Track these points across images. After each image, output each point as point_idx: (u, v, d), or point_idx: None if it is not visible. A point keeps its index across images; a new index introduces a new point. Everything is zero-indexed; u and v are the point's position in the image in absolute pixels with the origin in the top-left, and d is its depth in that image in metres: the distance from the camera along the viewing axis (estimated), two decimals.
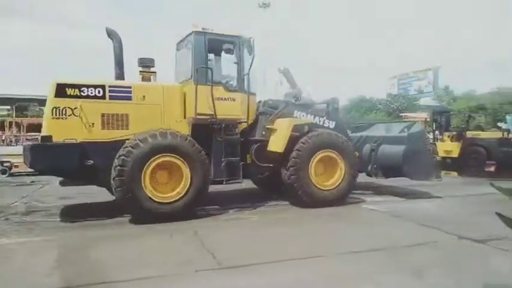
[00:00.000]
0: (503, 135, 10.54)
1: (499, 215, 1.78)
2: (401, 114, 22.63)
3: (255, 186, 9.21)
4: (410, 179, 8.24)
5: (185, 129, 6.71)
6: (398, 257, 4.26)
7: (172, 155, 6.09)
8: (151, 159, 5.92)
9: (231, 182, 7.11)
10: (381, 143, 8.35)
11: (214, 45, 7.17)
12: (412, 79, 42.74)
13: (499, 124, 22.93)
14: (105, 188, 6.58)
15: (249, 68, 7.22)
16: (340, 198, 7.33)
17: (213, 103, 6.78)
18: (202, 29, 6.94)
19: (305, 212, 6.91)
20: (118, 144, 6.08)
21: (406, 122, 10.14)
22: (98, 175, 6.16)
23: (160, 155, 5.98)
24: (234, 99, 7.08)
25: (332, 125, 8.04)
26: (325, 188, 7.22)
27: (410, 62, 78.26)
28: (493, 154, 8.46)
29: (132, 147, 5.85)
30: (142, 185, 5.85)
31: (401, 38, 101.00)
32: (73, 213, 6.90)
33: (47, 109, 6.13)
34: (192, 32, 6.95)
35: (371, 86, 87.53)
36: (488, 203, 6.93)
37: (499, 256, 4.15)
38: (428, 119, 18.95)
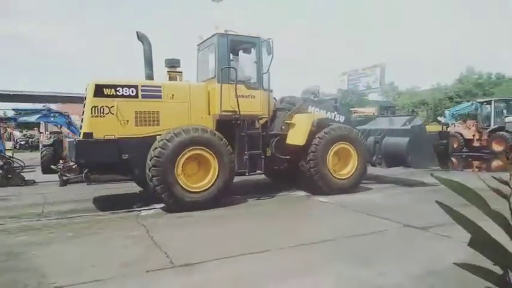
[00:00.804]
0: (442, 128, 11.33)
1: (438, 203, 1.86)
2: (351, 109, 23.51)
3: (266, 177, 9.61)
4: (414, 168, 8.97)
5: (210, 125, 7.17)
6: (347, 246, 4.37)
7: (202, 148, 6.62)
8: (184, 152, 6.43)
9: (253, 173, 7.72)
10: (385, 135, 8.98)
11: (235, 46, 7.73)
12: (361, 76, 44.45)
13: (439, 118, 24.60)
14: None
15: (268, 68, 7.75)
16: (354, 185, 8.00)
17: (237, 100, 7.25)
18: (225, 31, 7.44)
19: (265, 206, 7.04)
20: (150, 139, 6.58)
21: (405, 116, 11.03)
22: (132, 168, 6.66)
23: (191, 147, 6.51)
24: (254, 97, 7.60)
25: (342, 119, 8.76)
26: (341, 177, 7.88)
27: (360, 60, 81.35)
28: (434, 147, 9.27)
29: (168, 141, 6.33)
30: (176, 175, 6.34)
31: (352, 37, 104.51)
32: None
33: (86, 108, 6.48)
34: (215, 34, 7.44)
35: (323, 82, 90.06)
36: (431, 192, 7.46)
37: (439, 241, 4.42)
38: (375, 113, 19.84)
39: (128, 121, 6.62)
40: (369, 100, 36.03)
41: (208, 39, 7.87)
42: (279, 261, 3.97)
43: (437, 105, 34.10)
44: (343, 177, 7.92)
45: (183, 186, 6.41)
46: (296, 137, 7.72)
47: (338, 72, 47.15)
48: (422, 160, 8.60)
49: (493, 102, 17.56)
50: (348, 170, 8.04)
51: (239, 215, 6.28)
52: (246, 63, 8.04)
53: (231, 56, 7.69)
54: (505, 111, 17.30)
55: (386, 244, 4.52)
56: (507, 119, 16.49)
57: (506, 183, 1.82)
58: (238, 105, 7.26)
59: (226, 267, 3.79)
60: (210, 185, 6.66)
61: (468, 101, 23.55)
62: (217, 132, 6.90)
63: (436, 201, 2.00)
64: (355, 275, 3.49)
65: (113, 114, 6.50)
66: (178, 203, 6.37)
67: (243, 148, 7.42)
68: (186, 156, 6.48)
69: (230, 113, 7.29)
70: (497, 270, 1.78)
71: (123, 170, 6.97)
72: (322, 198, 7.39)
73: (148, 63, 7.40)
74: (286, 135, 7.87)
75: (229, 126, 7.37)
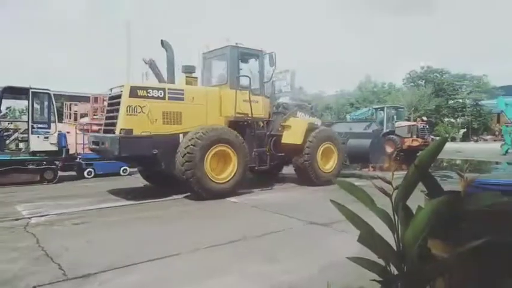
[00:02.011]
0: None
1: (332, 201, 1.96)
2: None
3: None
4: (373, 163, 10.90)
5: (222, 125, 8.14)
6: (255, 245, 4.50)
7: (226, 145, 7.61)
8: (212, 148, 7.36)
9: (261, 167, 8.76)
10: (349, 137, 10.62)
11: (243, 57, 8.79)
12: (273, 80, 46.28)
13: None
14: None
15: (270, 77, 9.16)
16: (335, 176, 9.40)
17: (250, 105, 8.38)
18: (236, 43, 8.46)
19: (171, 208, 6.87)
20: (174, 136, 7.46)
21: (364, 122, 13.54)
22: (159, 162, 7.31)
23: (218, 145, 7.48)
24: (257, 102, 8.65)
25: (319, 122, 10.32)
26: (326, 171, 9.39)
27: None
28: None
29: (198, 139, 7.18)
30: (205, 168, 7.24)
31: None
32: None
33: (121, 107, 7.10)
34: (228, 46, 8.44)
35: None
36: (337, 191, 7.97)
37: (338, 236, 4.76)
38: None
39: (156, 120, 7.36)
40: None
41: (218, 49, 8.83)
42: (185, 265, 3.86)
43: (340, 109, 37.06)
44: (327, 171, 9.45)
45: (211, 178, 7.34)
46: (294, 137, 9.08)
47: None
48: (379, 157, 10.15)
49: (385, 108, 19.60)
50: (330, 165, 9.70)
51: (142, 219, 5.96)
52: (250, 72, 9.03)
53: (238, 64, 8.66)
54: (395, 116, 19.48)
55: (292, 241, 4.71)
56: (397, 124, 18.58)
57: (389, 182, 2.01)
58: (251, 109, 8.38)
59: (127, 276, 3.55)
60: (231, 177, 7.68)
61: (366, 107, 26.04)
62: (236, 132, 7.90)
63: (331, 200, 2.13)
64: (261, 273, 3.56)
65: (145, 113, 7.20)
66: (206, 193, 7.27)
67: (252, 146, 8.45)
68: (213, 152, 7.41)
69: (241, 115, 8.36)
70: (382, 262, 1.95)
71: (151, 164, 7.65)
72: (232, 199, 7.44)
73: (171, 69, 8.41)
74: (282, 135, 9.17)
75: (239, 126, 8.36)
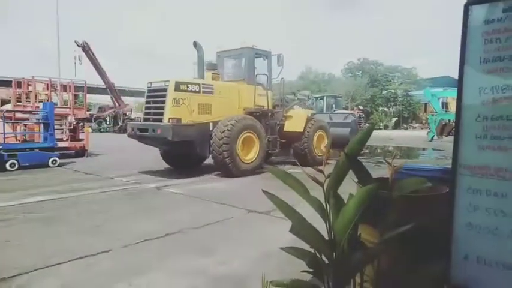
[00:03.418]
0: None
1: (264, 191, 1.90)
2: None
3: None
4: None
5: None
6: (193, 237, 4.40)
7: (252, 131, 9.04)
8: (242, 133, 8.75)
9: (272, 151, 10.49)
10: (331, 126, 12.04)
11: (256, 56, 10.18)
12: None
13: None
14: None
15: (278, 75, 10.49)
16: (325, 160, 10.26)
17: (267, 98, 10.13)
18: (252, 45, 9.92)
19: (106, 201, 6.64)
20: (206, 125, 8.75)
21: (342, 113, 15.81)
22: (195, 146, 8.61)
23: (247, 131, 8.89)
24: (266, 95, 10.13)
25: (309, 113, 11.67)
26: (319, 154, 10.84)
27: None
28: None
29: (233, 125, 8.49)
30: (237, 150, 8.61)
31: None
32: None
33: (167, 99, 8.30)
34: (245, 47, 9.92)
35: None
36: (271, 179, 8.07)
37: (277, 224, 4.78)
38: None
39: (194, 110, 8.57)
40: None
41: (236, 49, 10.24)
42: (113, 263, 3.60)
43: (282, 98, 37.68)
44: (320, 154, 10.82)
45: (241, 158, 8.72)
46: (296, 125, 10.56)
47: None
48: None
49: (325, 97, 20.32)
50: (321, 150, 11.16)
51: (70, 213, 5.53)
52: (260, 70, 10.32)
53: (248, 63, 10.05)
54: (334, 105, 20.25)
55: (231, 231, 4.65)
56: (335, 112, 19.35)
57: (321, 171, 1.98)
58: (268, 101, 10.12)
59: (49, 277, 3.24)
60: (254, 158, 9.09)
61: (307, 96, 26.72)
62: (257, 121, 9.35)
63: (262, 190, 2.06)
64: (195, 266, 3.44)
65: (185, 105, 8.39)
66: (238, 170, 8.59)
67: (266, 133, 9.73)
68: (243, 137, 8.76)
69: (258, 107, 9.89)
70: (313, 251, 1.92)
71: (188, 148, 8.59)
72: (172, 189, 7.20)
73: (201, 66, 9.59)
74: (284, 124, 10.58)
75: (255, 116, 9.57)
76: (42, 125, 11.09)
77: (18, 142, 11.14)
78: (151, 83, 9.06)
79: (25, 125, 12.27)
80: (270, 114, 10.37)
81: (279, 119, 10.69)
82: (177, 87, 8.36)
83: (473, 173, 1.97)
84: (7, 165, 9.62)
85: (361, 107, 25.11)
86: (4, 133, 10.07)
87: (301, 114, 11.18)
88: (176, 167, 10.06)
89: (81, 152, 12.86)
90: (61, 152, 11.54)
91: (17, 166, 9.76)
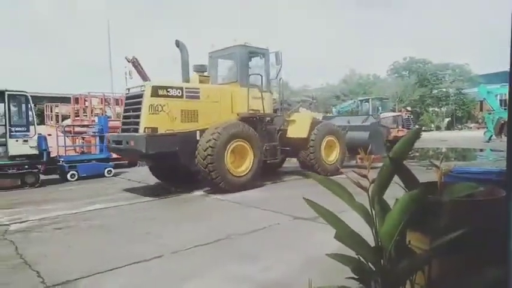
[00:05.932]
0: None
1: (305, 199, 1.91)
2: None
3: None
4: (374, 154, 10.95)
5: None
6: (239, 243, 4.44)
7: (244, 140, 7.90)
8: (231, 143, 7.65)
9: (272, 160, 8.96)
10: (348, 130, 11.02)
11: (251, 55, 8.97)
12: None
13: (328, 114, 26.88)
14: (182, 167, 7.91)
15: (277, 75, 9.31)
16: (337, 169, 9.28)
17: (262, 101, 8.70)
18: (244, 43, 8.60)
19: (158, 208, 6.90)
20: (191, 134, 7.66)
21: (361, 116, 13.97)
22: (179, 158, 7.50)
23: (236, 140, 7.77)
24: (264, 98, 8.80)
25: (320, 116, 11.06)
26: (329, 163, 9.68)
27: None
28: None
29: (219, 133, 7.43)
30: (225, 162, 7.53)
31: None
32: None
33: (143, 106, 7.29)
34: (237, 45, 8.60)
35: None
36: (309, 186, 7.90)
37: (324, 231, 4.70)
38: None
39: (176, 118, 7.52)
40: None
41: (227, 48, 8.94)
42: (166, 267, 3.77)
43: (325, 102, 37.14)
44: (330, 163, 9.71)
45: (230, 171, 7.62)
46: (300, 131, 9.35)
47: None
48: (378, 148, 10.36)
49: (370, 100, 19.75)
50: (333, 157, 9.98)
51: (127, 220, 5.85)
52: (256, 69, 9.26)
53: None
54: (380, 108, 19.63)
55: (276, 237, 4.66)
56: (382, 115, 18.72)
57: (365, 176, 1.96)
58: (263, 105, 8.73)
59: (108, 281, 3.46)
60: (248, 170, 7.97)
61: (351, 99, 26.16)
62: (251, 128, 8.14)
63: (304, 198, 2.08)
64: (240, 273, 3.50)
65: (165, 112, 7.35)
66: (228, 185, 7.55)
67: (263, 141, 8.61)
68: (232, 147, 7.67)
69: (253, 111, 8.57)
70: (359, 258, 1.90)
71: (173, 159, 7.61)
72: (219, 196, 7.36)
73: (186, 68, 8.35)
74: (287, 130, 9.42)
75: (250, 122, 8.40)
76: (98, 137, 11.84)
77: (77, 154, 11.99)
78: (129, 89, 8.24)
79: (83, 138, 13.18)
80: (267, 119, 9.16)
81: (280, 125, 9.54)
82: (155, 92, 7.32)
83: None
84: (68, 176, 10.38)
85: (409, 108, 24.08)
86: (65, 146, 10.87)
87: (304, 117, 9.93)
88: (166, 181, 9.12)
89: (134, 162, 13.52)
90: (115, 162, 12.23)
91: (76, 177, 10.49)
